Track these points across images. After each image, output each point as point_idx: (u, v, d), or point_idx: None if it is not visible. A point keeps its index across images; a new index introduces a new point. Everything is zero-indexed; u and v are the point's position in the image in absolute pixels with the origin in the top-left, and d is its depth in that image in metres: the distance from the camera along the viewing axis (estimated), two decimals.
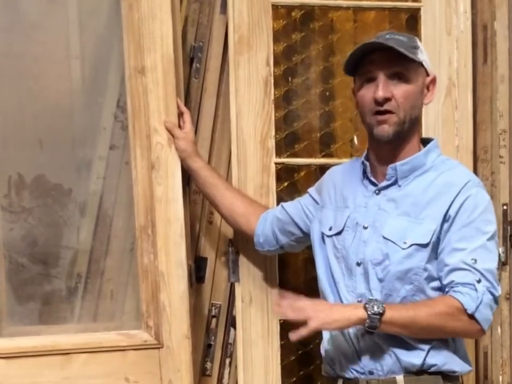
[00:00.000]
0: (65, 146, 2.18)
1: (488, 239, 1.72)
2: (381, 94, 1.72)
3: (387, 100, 1.73)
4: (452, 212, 1.71)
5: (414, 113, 1.76)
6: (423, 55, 1.77)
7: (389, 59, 1.72)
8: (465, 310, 1.65)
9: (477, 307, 1.65)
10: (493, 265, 1.71)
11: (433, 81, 1.82)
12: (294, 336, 1.68)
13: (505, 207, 2.28)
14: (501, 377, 2.30)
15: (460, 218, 1.71)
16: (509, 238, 2.27)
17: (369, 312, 1.65)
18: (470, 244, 1.70)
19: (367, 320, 1.64)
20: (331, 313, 1.68)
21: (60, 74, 2.17)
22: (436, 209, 1.73)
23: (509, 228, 2.28)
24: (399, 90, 1.73)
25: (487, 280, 1.68)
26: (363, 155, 1.86)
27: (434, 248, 1.72)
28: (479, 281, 1.67)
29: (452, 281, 1.69)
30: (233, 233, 2.21)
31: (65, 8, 2.15)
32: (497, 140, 2.28)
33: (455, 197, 1.72)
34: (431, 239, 1.71)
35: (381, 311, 1.64)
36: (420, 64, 1.76)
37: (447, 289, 1.70)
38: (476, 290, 1.66)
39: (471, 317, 1.66)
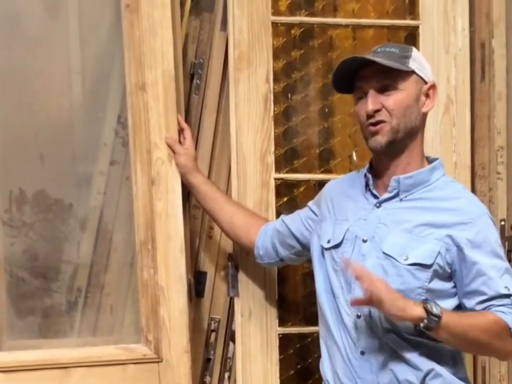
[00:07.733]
0: (66, 161, 2.19)
1: (506, 262, 1.74)
2: (370, 107, 1.72)
3: (377, 111, 1.73)
4: (469, 240, 1.69)
5: (408, 121, 1.74)
6: (415, 63, 1.75)
7: (377, 73, 1.72)
8: (510, 328, 1.66)
9: None
10: None
11: (432, 88, 1.78)
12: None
13: (503, 223, 2.28)
14: None
15: (483, 248, 1.70)
16: (507, 253, 2.28)
17: (429, 312, 1.60)
18: (499, 271, 1.70)
19: (425, 320, 1.60)
20: (395, 298, 1.62)
21: (61, 90, 2.19)
22: (441, 232, 1.70)
23: (507, 243, 2.28)
24: (389, 100, 1.72)
25: None
26: (366, 167, 1.85)
27: (437, 269, 1.70)
28: None
29: (491, 305, 1.68)
30: (233, 248, 2.22)
31: (66, 24, 2.16)
32: (494, 156, 2.29)
33: (471, 227, 1.70)
34: (434, 261, 1.69)
35: (439, 314, 1.60)
36: (412, 72, 1.74)
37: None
38: None
39: None
